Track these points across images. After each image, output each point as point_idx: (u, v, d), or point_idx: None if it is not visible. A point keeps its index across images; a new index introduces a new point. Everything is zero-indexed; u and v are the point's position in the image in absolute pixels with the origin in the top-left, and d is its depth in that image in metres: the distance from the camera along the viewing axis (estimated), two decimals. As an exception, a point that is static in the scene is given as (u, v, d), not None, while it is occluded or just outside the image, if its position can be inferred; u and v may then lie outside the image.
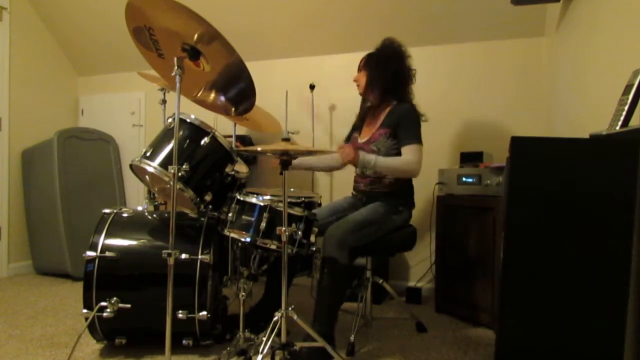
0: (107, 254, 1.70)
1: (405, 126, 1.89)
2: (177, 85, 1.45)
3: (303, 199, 1.71)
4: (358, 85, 2.08)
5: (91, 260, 1.69)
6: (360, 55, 2.09)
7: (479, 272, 2.15)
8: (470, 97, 2.70)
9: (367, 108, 2.11)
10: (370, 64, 2.01)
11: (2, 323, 2.09)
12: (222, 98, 1.74)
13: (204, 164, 1.73)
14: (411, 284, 2.76)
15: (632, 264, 0.95)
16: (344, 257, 1.70)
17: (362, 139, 2.05)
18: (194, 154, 1.71)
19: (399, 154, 1.91)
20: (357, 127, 2.15)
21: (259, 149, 1.47)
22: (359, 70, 2.06)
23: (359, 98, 2.15)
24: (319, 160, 2.24)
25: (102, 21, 3.20)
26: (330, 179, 3.01)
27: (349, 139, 2.19)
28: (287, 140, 1.45)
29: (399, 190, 1.96)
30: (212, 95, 1.75)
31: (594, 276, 0.97)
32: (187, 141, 1.71)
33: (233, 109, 1.77)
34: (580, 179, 0.98)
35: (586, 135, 1.09)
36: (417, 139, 1.88)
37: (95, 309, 1.65)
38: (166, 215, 1.92)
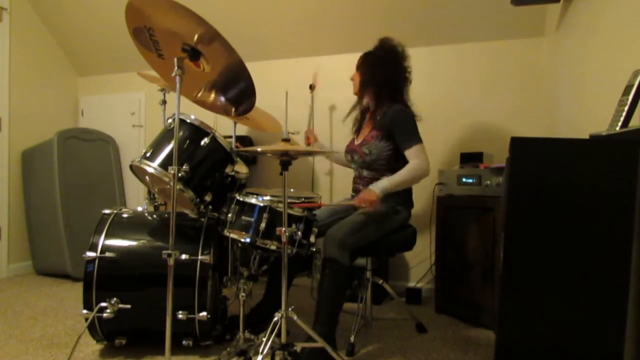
0: (107, 254, 1.70)
1: (401, 130, 1.87)
2: (177, 85, 1.45)
3: (303, 199, 1.71)
4: (354, 85, 2.07)
5: (91, 260, 1.69)
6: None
7: (479, 272, 2.15)
8: (470, 98, 2.70)
9: (365, 109, 2.11)
10: (362, 66, 2.01)
11: (2, 323, 2.09)
12: (222, 99, 1.74)
13: (204, 165, 1.73)
14: (411, 284, 2.76)
15: (632, 264, 0.95)
16: (344, 258, 1.70)
17: (357, 141, 2.05)
18: (194, 155, 1.71)
19: (391, 155, 1.90)
20: (356, 129, 2.14)
21: (258, 149, 1.47)
22: (356, 69, 2.05)
23: (359, 98, 2.15)
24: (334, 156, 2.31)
25: (103, 21, 3.20)
26: (330, 179, 3.01)
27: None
28: (287, 140, 1.45)
29: (396, 191, 1.96)
30: (212, 95, 1.75)
31: (594, 276, 0.97)
32: (187, 142, 1.71)
33: (233, 110, 1.77)
34: (580, 179, 0.98)
35: (586, 136, 1.09)
36: (416, 139, 1.86)
37: (95, 309, 1.65)
38: (166, 215, 1.91)
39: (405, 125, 1.87)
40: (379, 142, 1.91)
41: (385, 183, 1.80)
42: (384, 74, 1.94)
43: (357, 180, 2.08)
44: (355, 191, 2.09)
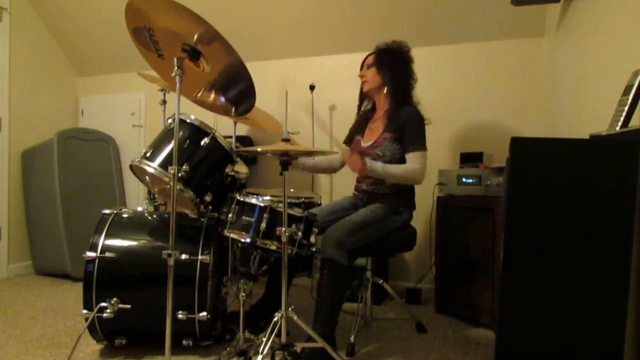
0: (107, 254, 1.70)
1: (410, 132, 1.88)
2: (177, 85, 1.45)
3: (303, 199, 1.71)
4: (365, 82, 2.02)
5: (91, 260, 1.69)
6: (360, 55, 2.08)
7: (479, 272, 2.15)
8: (470, 98, 2.70)
9: (370, 110, 2.11)
10: (387, 64, 1.95)
11: (2, 323, 2.09)
12: (222, 99, 1.74)
13: (204, 165, 1.73)
14: (411, 284, 2.76)
15: (632, 264, 0.95)
16: (343, 257, 1.70)
17: (365, 143, 2.02)
18: (194, 155, 1.71)
19: (403, 158, 1.90)
20: (359, 130, 2.12)
21: (259, 149, 1.47)
22: (368, 67, 2.00)
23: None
24: (320, 161, 2.23)
25: (102, 21, 3.20)
26: (330, 179, 3.01)
27: (350, 141, 2.16)
28: (287, 140, 1.44)
29: (401, 191, 1.96)
30: (212, 95, 1.75)
31: (594, 276, 0.97)
32: (187, 142, 1.71)
33: (233, 110, 1.77)
34: (580, 179, 0.98)
35: (586, 136, 1.09)
36: (421, 145, 1.87)
37: (95, 309, 1.65)
38: (166, 215, 1.91)
39: (416, 128, 1.89)
40: (392, 144, 1.91)
41: (378, 165, 1.80)
42: (405, 77, 1.95)
43: (360, 180, 2.08)
44: (358, 190, 2.09)
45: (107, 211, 1.86)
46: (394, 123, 1.92)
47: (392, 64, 1.95)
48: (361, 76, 2.04)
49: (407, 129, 1.88)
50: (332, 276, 1.70)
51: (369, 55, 2.04)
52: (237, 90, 1.66)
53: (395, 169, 1.84)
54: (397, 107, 1.94)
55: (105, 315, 1.64)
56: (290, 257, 1.62)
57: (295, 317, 1.49)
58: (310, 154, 2.04)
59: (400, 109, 1.93)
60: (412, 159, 1.85)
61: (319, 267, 1.74)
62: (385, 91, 1.99)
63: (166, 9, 1.36)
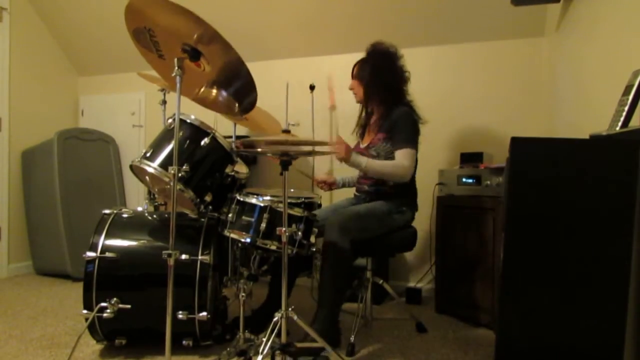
0: (107, 254, 1.70)
1: (398, 130, 1.89)
2: (178, 85, 1.45)
3: (303, 199, 1.71)
4: (355, 94, 2.08)
5: (91, 260, 1.69)
6: (360, 56, 2.09)
7: (479, 272, 2.15)
8: (470, 98, 2.70)
9: (369, 113, 2.12)
10: (362, 74, 2.00)
11: (2, 323, 2.09)
12: (224, 93, 1.73)
13: (204, 165, 1.73)
14: (411, 284, 2.75)
15: (632, 264, 0.95)
16: (345, 242, 1.71)
17: (363, 144, 2.06)
18: (194, 155, 1.71)
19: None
20: (360, 134, 2.16)
21: (259, 149, 1.47)
22: (353, 77, 2.06)
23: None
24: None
25: (103, 21, 3.20)
26: (330, 179, 3.01)
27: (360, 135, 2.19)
28: (287, 132, 1.44)
29: (402, 191, 1.97)
30: (214, 92, 1.75)
31: (594, 276, 0.97)
32: (187, 142, 1.71)
33: (237, 105, 1.76)
34: (580, 179, 0.98)
35: (586, 136, 1.09)
36: (409, 143, 1.87)
37: (95, 309, 1.65)
38: (166, 215, 1.91)
39: (404, 127, 1.89)
40: (385, 145, 1.93)
41: (363, 159, 1.83)
42: (385, 79, 1.95)
43: (361, 181, 2.09)
44: (360, 191, 2.10)
45: (107, 211, 1.86)
46: (387, 123, 1.94)
47: (371, 71, 1.97)
48: (351, 88, 2.08)
49: (397, 127, 1.89)
50: (335, 260, 1.70)
51: (355, 64, 2.07)
52: (237, 90, 1.66)
53: (379, 164, 1.85)
54: (389, 108, 1.95)
55: (105, 315, 1.64)
56: (292, 257, 1.62)
57: (295, 317, 1.49)
58: (310, 154, 2.04)
59: (392, 109, 1.94)
60: (400, 156, 1.86)
61: (321, 253, 1.74)
62: (373, 99, 2.02)
63: (166, 9, 1.36)
